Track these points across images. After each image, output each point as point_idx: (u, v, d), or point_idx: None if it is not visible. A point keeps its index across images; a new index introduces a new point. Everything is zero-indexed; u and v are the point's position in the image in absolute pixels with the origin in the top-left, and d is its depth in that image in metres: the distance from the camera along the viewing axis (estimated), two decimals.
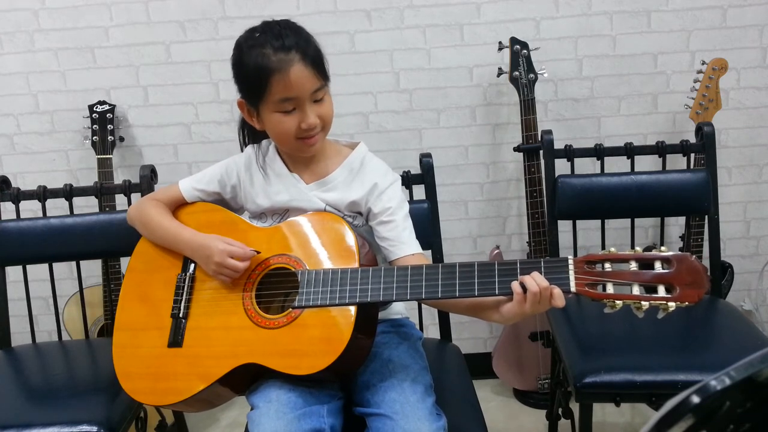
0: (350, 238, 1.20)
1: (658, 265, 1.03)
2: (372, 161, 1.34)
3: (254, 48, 1.19)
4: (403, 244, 1.27)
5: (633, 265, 1.04)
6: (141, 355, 1.29)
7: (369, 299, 1.13)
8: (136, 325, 1.33)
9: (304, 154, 1.29)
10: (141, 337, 1.31)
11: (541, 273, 1.07)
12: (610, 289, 1.04)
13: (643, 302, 1.02)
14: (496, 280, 1.09)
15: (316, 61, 1.21)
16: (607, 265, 1.05)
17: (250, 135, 1.40)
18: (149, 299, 1.33)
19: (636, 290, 1.03)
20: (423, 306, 1.70)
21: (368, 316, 1.18)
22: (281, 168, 1.33)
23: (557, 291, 1.05)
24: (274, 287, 1.25)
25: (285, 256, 1.23)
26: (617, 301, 1.03)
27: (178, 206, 1.40)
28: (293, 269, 1.21)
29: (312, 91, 1.21)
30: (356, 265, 1.17)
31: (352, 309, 1.14)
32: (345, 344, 1.12)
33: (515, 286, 1.07)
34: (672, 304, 1.01)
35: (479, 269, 1.11)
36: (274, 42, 1.18)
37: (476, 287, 1.10)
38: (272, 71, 1.17)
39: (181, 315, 1.27)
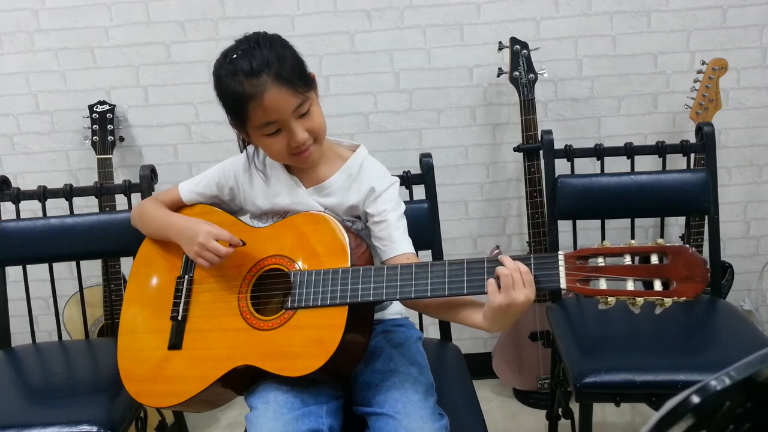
0: (342, 238, 1.19)
1: (654, 257, 1.00)
2: (371, 166, 1.33)
3: (228, 76, 1.17)
4: (394, 243, 1.26)
5: (627, 259, 1.01)
6: (143, 357, 1.30)
7: (360, 299, 1.13)
8: (139, 328, 1.33)
9: (302, 166, 1.29)
10: (143, 340, 1.31)
11: (531, 269, 1.05)
12: (603, 284, 1.01)
13: (637, 298, 0.99)
14: (485, 276, 1.08)
15: (292, 77, 1.16)
16: (600, 260, 1.02)
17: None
18: (151, 302, 1.33)
19: (630, 285, 1.00)
20: None
21: (361, 315, 1.17)
22: (281, 171, 1.33)
23: (523, 266, 1.04)
24: (270, 288, 1.25)
25: (279, 256, 1.23)
26: (610, 298, 1.01)
27: (177, 208, 1.40)
28: (287, 270, 1.21)
29: (293, 110, 1.18)
30: (348, 264, 1.17)
31: (344, 309, 1.14)
32: (336, 345, 1.11)
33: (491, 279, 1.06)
34: (668, 300, 0.98)
35: (468, 266, 1.10)
36: (245, 66, 1.15)
37: (465, 284, 1.09)
38: (247, 99, 1.15)
39: (180, 317, 1.28)
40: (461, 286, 1.10)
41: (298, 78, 1.18)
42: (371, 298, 1.13)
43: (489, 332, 1.18)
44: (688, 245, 1.00)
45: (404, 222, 1.30)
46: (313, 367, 1.12)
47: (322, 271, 1.17)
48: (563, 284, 1.03)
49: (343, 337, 1.12)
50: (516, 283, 1.04)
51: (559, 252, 1.05)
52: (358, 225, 1.32)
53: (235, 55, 1.18)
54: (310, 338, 1.15)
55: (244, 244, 1.25)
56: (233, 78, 1.16)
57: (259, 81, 1.15)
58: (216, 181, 1.37)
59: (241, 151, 1.39)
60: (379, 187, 1.29)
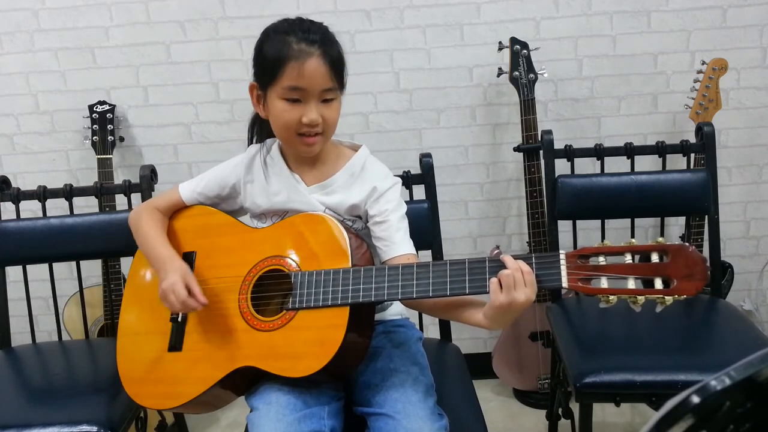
0: (343, 238, 1.19)
1: (654, 256, 1.01)
2: (373, 165, 1.34)
3: (279, 33, 1.22)
4: (395, 244, 1.26)
5: (628, 258, 1.02)
6: (143, 359, 1.29)
7: (361, 300, 1.13)
8: (138, 330, 1.33)
9: (302, 153, 1.29)
10: (142, 342, 1.31)
11: (532, 268, 1.06)
12: (604, 283, 1.02)
13: (638, 296, 1.00)
14: (487, 276, 1.09)
15: (335, 63, 1.21)
16: (601, 259, 1.03)
17: (259, 134, 1.40)
18: (150, 303, 1.32)
19: (631, 284, 1.01)
20: None
21: (362, 316, 1.17)
22: (282, 168, 1.33)
23: (525, 266, 1.05)
24: (270, 289, 1.25)
25: (279, 257, 1.23)
26: (611, 296, 1.01)
27: (177, 209, 1.39)
28: (287, 271, 1.21)
29: (322, 89, 1.21)
30: (349, 265, 1.17)
31: (345, 310, 1.14)
32: (338, 345, 1.11)
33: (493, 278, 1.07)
34: (669, 298, 0.99)
35: (470, 266, 1.10)
36: (300, 33, 1.20)
37: (467, 284, 1.09)
38: (289, 58, 1.19)
39: (179, 319, 1.27)
40: (463, 286, 1.10)
41: (339, 68, 1.23)
42: (373, 299, 1.13)
43: (489, 330, 1.19)
44: (687, 243, 1.01)
45: (406, 223, 1.31)
46: (315, 368, 1.12)
47: (323, 271, 1.17)
48: (565, 283, 1.04)
49: (345, 337, 1.12)
50: (518, 283, 1.04)
51: (561, 251, 1.06)
52: (358, 225, 1.32)
53: (291, 23, 1.23)
54: (311, 339, 1.14)
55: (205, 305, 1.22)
56: (285, 36, 1.20)
57: (308, 48, 1.19)
58: (218, 180, 1.37)
59: (249, 141, 1.40)
60: (381, 187, 1.29)
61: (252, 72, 1.28)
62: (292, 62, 1.18)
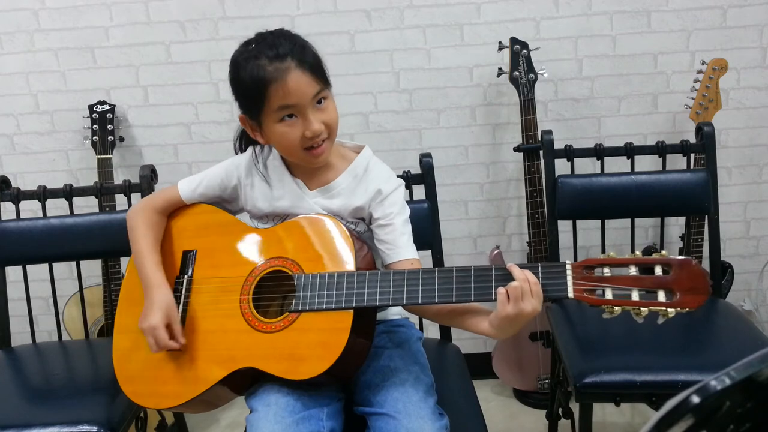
0: (347, 241, 1.19)
1: (658, 269, 1.02)
2: (376, 167, 1.33)
3: (249, 60, 1.17)
4: (399, 248, 1.26)
5: (632, 270, 1.03)
6: (140, 358, 1.29)
7: (365, 303, 1.13)
8: (135, 328, 1.31)
9: (312, 165, 1.27)
10: (140, 340, 1.30)
11: (538, 278, 1.06)
12: (608, 294, 1.03)
13: (642, 308, 1.01)
14: (493, 284, 1.09)
15: (314, 66, 1.19)
16: (606, 270, 1.04)
17: (247, 143, 1.37)
18: None
19: (635, 296, 1.02)
20: None
21: (365, 319, 1.17)
22: (284, 173, 1.32)
23: (532, 277, 1.05)
24: (272, 290, 1.24)
25: (282, 259, 1.23)
26: (616, 307, 1.02)
27: (179, 207, 1.39)
28: (290, 273, 1.21)
29: (312, 96, 1.18)
30: (353, 268, 1.16)
31: (350, 313, 1.13)
32: (342, 348, 1.11)
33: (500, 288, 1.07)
34: (672, 310, 1.00)
35: (476, 273, 1.10)
36: (269, 52, 1.16)
37: (473, 291, 1.10)
38: (269, 81, 1.16)
39: (179, 318, 1.27)
40: (468, 293, 1.10)
41: (319, 70, 1.20)
42: (377, 303, 1.13)
43: (494, 338, 1.19)
44: (690, 258, 1.02)
45: (409, 227, 1.30)
46: (317, 371, 1.12)
47: (326, 274, 1.16)
48: (571, 293, 1.05)
49: (348, 340, 1.11)
50: (525, 294, 1.05)
51: (567, 261, 1.07)
52: (361, 227, 1.32)
53: (255, 45, 1.19)
54: (314, 341, 1.14)
55: (179, 348, 1.23)
56: (256, 62, 1.17)
57: (282, 64, 1.16)
58: (218, 181, 1.36)
59: (236, 153, 1.37)
60: (386, 189, 1.29)
61: (237, 105, 1.26)
62: (274, 84, 1.15)
